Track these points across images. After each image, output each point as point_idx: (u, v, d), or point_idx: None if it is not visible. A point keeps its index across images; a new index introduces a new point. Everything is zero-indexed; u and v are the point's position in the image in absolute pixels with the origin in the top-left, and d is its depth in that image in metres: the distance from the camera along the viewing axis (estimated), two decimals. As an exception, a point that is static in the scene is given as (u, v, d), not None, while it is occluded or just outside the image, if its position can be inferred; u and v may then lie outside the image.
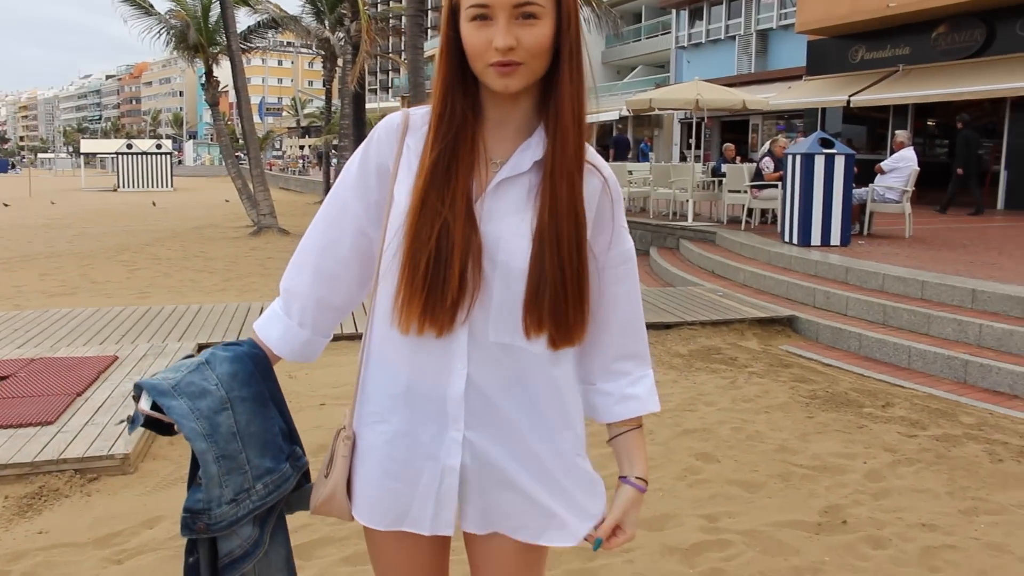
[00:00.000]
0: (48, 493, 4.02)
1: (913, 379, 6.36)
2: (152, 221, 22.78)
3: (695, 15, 34.79)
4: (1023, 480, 4.28)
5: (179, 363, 1.51)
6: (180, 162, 72.78)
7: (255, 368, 1.54)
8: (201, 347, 6.78)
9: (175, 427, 1.47)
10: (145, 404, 1.43)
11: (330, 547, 3.47)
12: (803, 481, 4.22)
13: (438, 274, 1.39)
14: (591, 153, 1.49)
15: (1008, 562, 3.39)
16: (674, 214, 15.39)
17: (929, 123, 21.37)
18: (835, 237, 10.60)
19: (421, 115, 1.50)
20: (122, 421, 1.33)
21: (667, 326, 7.71)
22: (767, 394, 5.78)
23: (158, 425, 1.48)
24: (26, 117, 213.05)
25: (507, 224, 1.43)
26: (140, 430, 1.47)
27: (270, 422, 1.53)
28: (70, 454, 4.31)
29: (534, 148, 1.44)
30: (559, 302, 1.41)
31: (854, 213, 11.67)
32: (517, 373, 1.46)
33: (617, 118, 35.35)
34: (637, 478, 1.56)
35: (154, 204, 30.43)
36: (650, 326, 7.59)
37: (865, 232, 11.99)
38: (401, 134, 1.49)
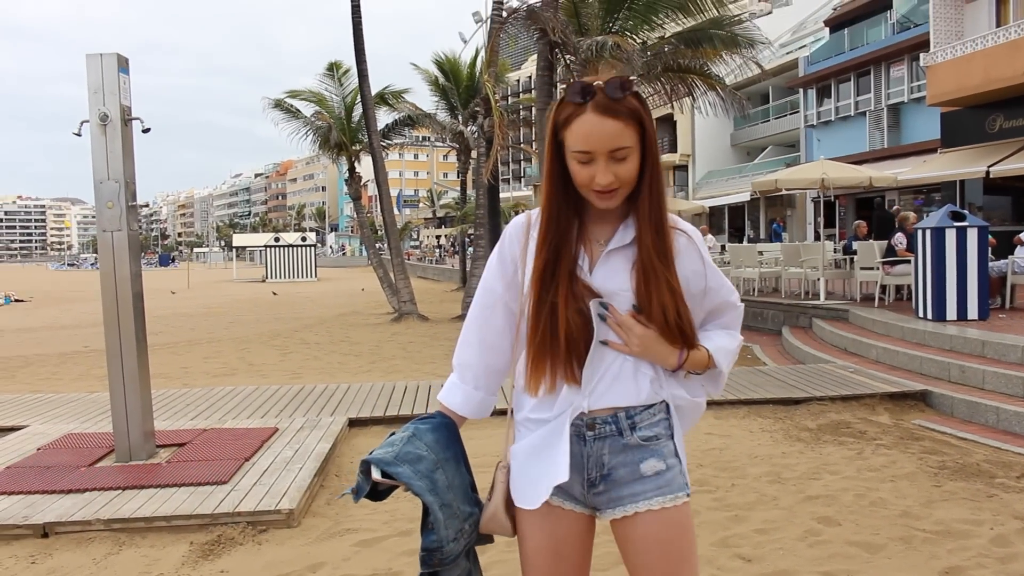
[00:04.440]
0: (225, 541, 4.57)
1: (1054, 452, 6.24)
2: (299, 309, 24.20)
3: (823, 93, 34.66)
4: None
5: (390, 439, 1.94)
6: (322, 253, 76.40)
7: (449, 434, 2.01)
8: (352, 421, 7.37)
9: (384, 495, 1.93)
10: (376, 474, 1.85)
11: None
12: (924, 544, 4.31)
13: (555, 334, 1.88)
14: (676, 221, 1.96)
15: None
16: (806, 293, 15.33)
17: (1079, 190, 20.54)
18: (972, 311, 10.39)
19: (538, 212, 1.99)
20: (344, 493, 1.76)
21: (796, 401, 7.81)
22: (894, 464, 5.83)
23: (373, 494, 1.93)
24: (183, 215, 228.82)
25: (617, 281, 1.90)
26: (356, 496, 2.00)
27: (463, 476, 1.99)
28: (243, 508, 4.87)
29: (630, 228, 1.92)
30: (668, 333, 1.89)
31: (994, 286, 11.42)
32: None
33: (747, 199, 35.29)
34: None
35: (275, 294, 32.34)
36: (778, 402, 7.76)
37: (1007, 306, 11.67)
38: (526, 231, 2.00)
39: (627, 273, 1.88)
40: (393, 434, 1.96)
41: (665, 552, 1.87)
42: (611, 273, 1.89)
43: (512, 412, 2.02)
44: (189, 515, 4.83)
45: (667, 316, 1.86)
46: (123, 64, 5.97)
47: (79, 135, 6.00)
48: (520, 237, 1.98)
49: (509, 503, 1.96)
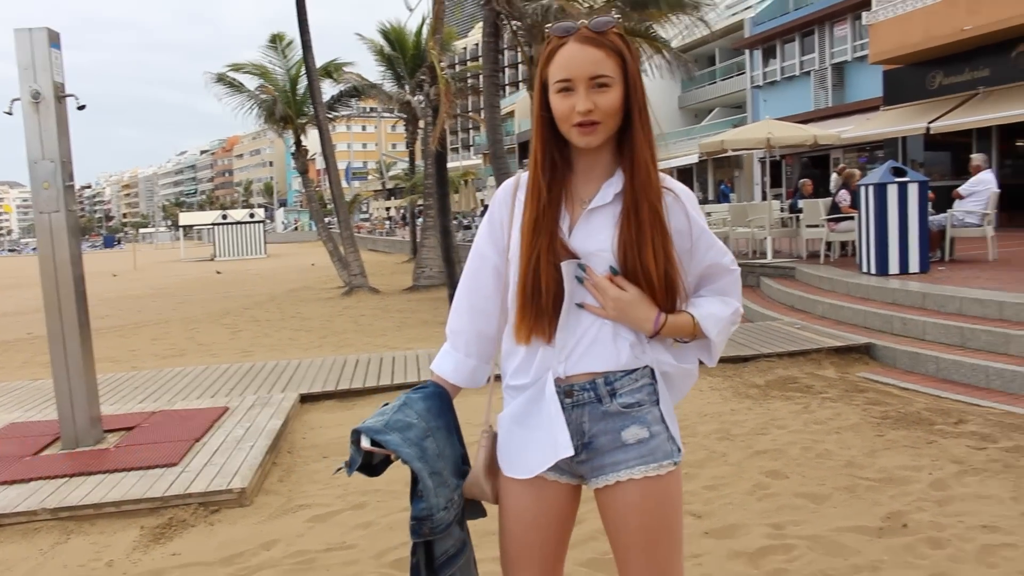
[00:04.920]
0: (177, 523, 4.53)
1: (991, 398, 6.41)
2: (249, 286, 23.92)
3: (768, 53, 34.94)
4: (1092, 486, 4.38)
5: (381, 408, 1.92)
6: (271, 229, 75.52)
7: (442, 403, 1.98)
8: (304, 397, 7.32)
9: (380, 468, 1.90)
10: (366, 442, 1.82)
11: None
12: (868, 492, 4.43)
13: (538, 288, 1.84)
14: (666, 179, 1.90)
15: (1066, 558, 3.54)
16: (754, 252, 15.53)
17: (1018, 144, 20.95)
18: (913, 264, 10.62)
19: (527, 173, 1.95)
20: (339, 468, 1.68)
21: (744, 359, 7.93)
22: (839, 416, 5.96)
23: (368, 468, 1.89)
24: (128, 195, 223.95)
25: (596, 241, 1.85)
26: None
27: (455, 447, 1.97)
28: (194, 489, 4.83)
29: (615, 184, 1.87)
30: (650, 293, 1.84)
31: (934, 240, 11.66)
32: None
33: (696, 161, 35.53)
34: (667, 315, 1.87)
35: (219, 272, 31.99)
36: (727, 359, 7.86)
37: (947, 258, 11.94)
38: (513, 192, 1.97)
39: (608, 232, 1.84)
40: (386, 404, 1.94)
41: (645, 523, 1.84)
42: (591, 232, 1.85)
43: (498, 378, 2.01)
44: (139, 499, 4.77)
45: (651, 278, 1.83)
46: (54, 39, 5.79)
47: (10, 114, 5.83)
48: (508, 200, 1.96)
49: (491, 469, 1.95)
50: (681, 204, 1.89)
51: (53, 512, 4.70)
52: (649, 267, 1.82)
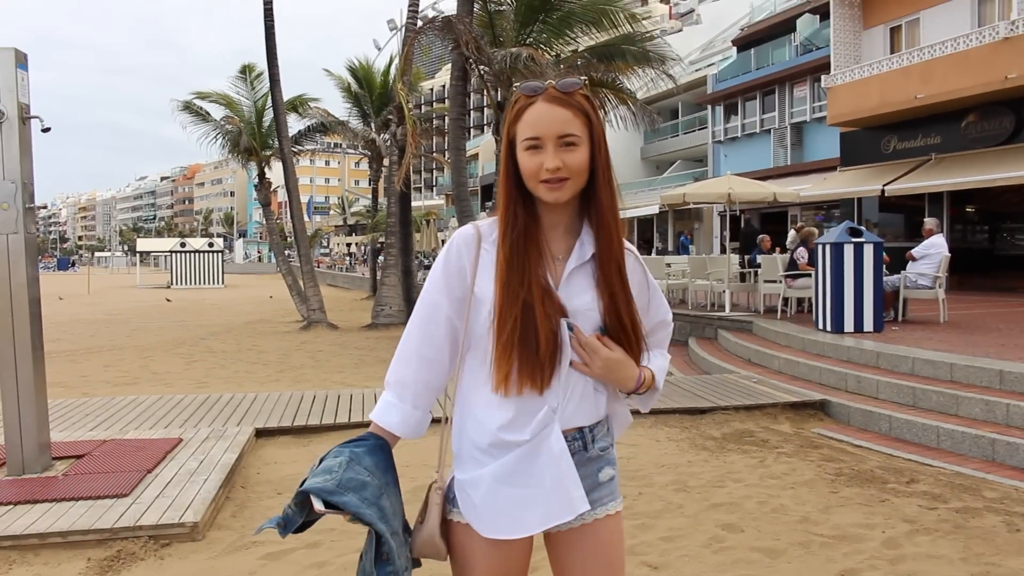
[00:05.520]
0: (126, 556, 4.42)
1: (942, 458, 6.53)
2: (206, 316, 23.62)
3: (730, 110, 35.68)
4: (1038, 549, 4.48)
5: (325, 465, 1.81)
6: (230, 260, 74.77)
7: (387, 457, 1.92)
8: (259, 431, 7.22)
9: (307, 526, 1.81)
10: (319, 505, 1.72)
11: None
12: (822, 548, 4.48)
13: (532, 340, 1.85)
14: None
15: (1013, 620, 3.61)
16: (712, 305, 15.72)
17: (968, 209, 21.61)
18: (868, 324, 10.83)
19: (488, 224, 1.97)
20: (265, 526, 1.57)
21: (702, 411, 8.00)
22: (794, 472, 6.04)
23: (301, 527, 1.81)
24: (85, 218, 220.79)
25: (583, 300, 1.91)
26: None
27: (400, 501, 1.91)
28: (145, 522, 4.73)
29: (587, 243, 1.93)
30: (629, 349, 1.94)
31: (888, 300, 11.92)
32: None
33: (657, 212, 36.00)
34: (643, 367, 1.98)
35: (168, 300, 31.56)
36: (684, 411, 7.94)
37: (900, 318, 12.19)
38: (476, 242, 1.95)
39: (592, 292, 1.90)
40: (323, 459, 1.85)
41: (611, 559, 1.95)
42: (576, 291, 1.90)
43: (448, 432, 1.97)
44: (87, 530, 4.65)
45: (630, 335, 1.92)
46: (21, 60, 5.76)
47: None
48: (471, 248, 1.93)
49: (444, 526, 1.94)
50: (639, 263, 2.02)
51: (-4, 541, 4.57)
52: (627, 325, 1.91)
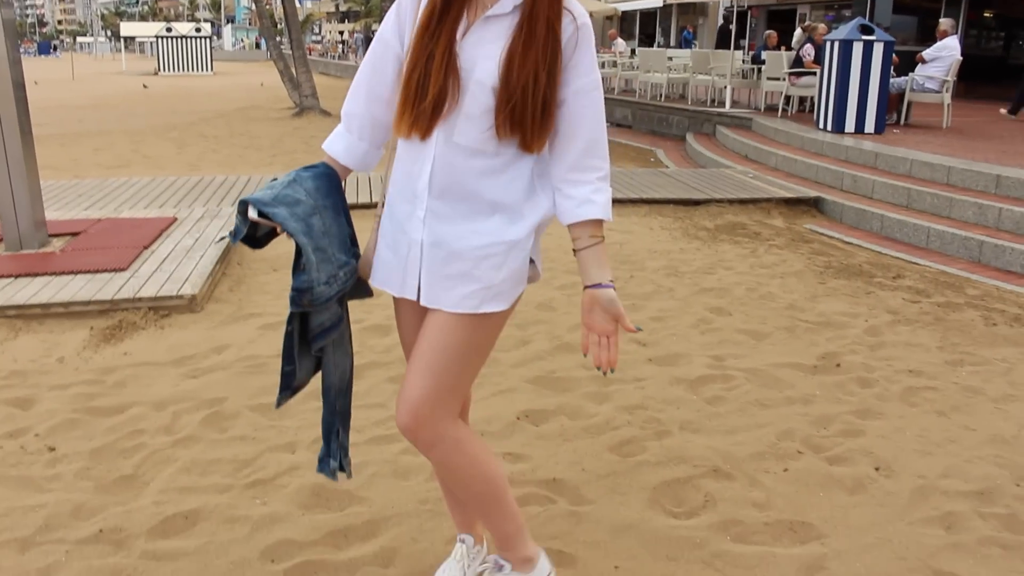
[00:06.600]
0: (127, 326, 4.53)
1: (929, 257, 6.62)
2: (196, 103, 23.12)
3: None
4: (1012, 341, 4.61)
5: (271, 183, 1.93)
6: (218, 47, 72.42)
7: (331, 183, 2.00)
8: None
9: (263, 241, 1.96)
10: (253, 213, 1.85)
11: (377, 370, 3.95)
12: (806, 333, 4.61)
13: (423, 89, 1.82)
14: (570, 2, 1.83)
15: (980, 402, 3.77)
16: (712, 101, 15.41)
17: (986, 14, 20.75)
18: (869, 125, 10.67)
19: None
20: (222, 238, 1.70)
21: (696, 203, 8.02)
22: (784, 263, 6.13)
23: (251, 240, 1.96)
24: (63, 0, 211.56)
25: (485, 51, 1.81)
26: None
27: (343, 227, 2.00)
28: (144, 294, 4.82)
29: None
30: (523, 114, 1.79)
31: (892, 102, 11.68)
32: (473, 170, 1.86)
33: (660, 5, 34.66)
34: (595, 284, 1.87)
35: (145, 87, 30.73)
36: (679, 202, 7.95)
37: (902, 122, 12.01)
38: None
39: (500, 42, 1.79)
40: (275, 179, 1.96)
41: (434, 347, 1.99)
42: (482, 40, 1.81)
43: (389, 168, 2.02)
44: (88, 301, 4.75)
45: (527, 97, 1.78)
46: None
47: None
48: None
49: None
50: (576, 34, 1.83)
51: (0, 310, 4.67)
52: (529, 84, 1.78)
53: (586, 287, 1.89)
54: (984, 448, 3.32)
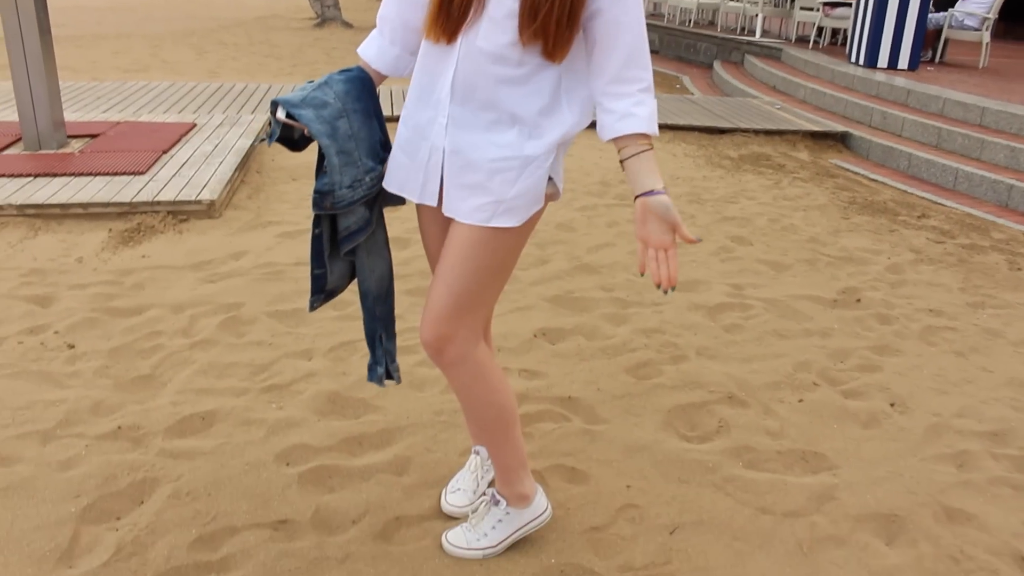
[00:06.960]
0: (145, 229, 4.53)
1: (955, 199, 6.51)
2: (215, 9, 22.75)
3: None
4: (1037, 284, 4.57)
5: (304, 85, 1.92)
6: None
7: (363, 86, 1.97)
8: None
9: (301, 144, 1.95)
10: (281, 114, 1.85)
11: (395, 282, 3.95)
12: (827, 267, 4.57)
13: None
14: None
15: (999, 344, 3.74)
16: (742, 29, 15.06)
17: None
18: (903, 60, 10.41)
19: None
20: (261, 140, 1.69)
21: (721, 131, 7.88)
22: (808, 196, 6.04)
23: (289, 142, 1.94)
24: None
25: None
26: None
27: (373, 131, 1.97)
28: (162, 198, 4.80)
29: None
30: (548, 18, 1.70)
31: (928, 39, 11.36)
32: (495, 77, 1.79)
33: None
34: (646, 192, 1.78)
35: None
36: (703, 129, 7.82)
37: (937, 59, 11.71)
38: None
39: None
40: (310, 81, 1.95)
41: (455, 256, 1.98)
42: None
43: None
44: (107, 203, 4.74)
45: (554, 1, 1.69)
46: None
47: None
48: None
49: None
50: None
51: (20, 208, 4.67)
52: (542, 6, 1.69)
53: (636, 196, 1.80)
54: (1001, 390, 3.30)
